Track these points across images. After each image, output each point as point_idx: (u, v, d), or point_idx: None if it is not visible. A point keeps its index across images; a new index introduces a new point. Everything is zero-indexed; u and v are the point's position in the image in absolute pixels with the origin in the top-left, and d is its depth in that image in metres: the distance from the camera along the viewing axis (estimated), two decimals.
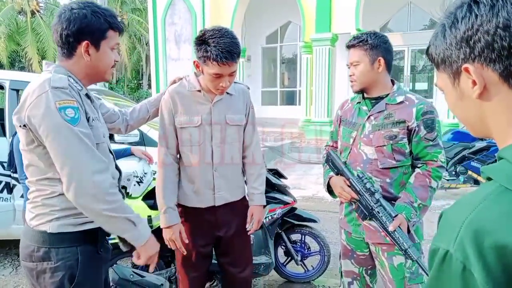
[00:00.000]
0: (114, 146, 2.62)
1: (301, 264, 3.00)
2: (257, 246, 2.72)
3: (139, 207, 2.39)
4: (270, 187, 2.86)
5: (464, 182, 5.15)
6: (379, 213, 1.60)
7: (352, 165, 1.77)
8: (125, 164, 2.33)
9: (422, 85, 12.80)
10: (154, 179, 2.45)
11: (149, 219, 2.38)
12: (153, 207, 2.34)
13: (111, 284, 1.97)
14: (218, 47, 1.61)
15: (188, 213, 1.89)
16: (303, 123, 10.35)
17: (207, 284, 2.54)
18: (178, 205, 1.89)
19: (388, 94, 1.73)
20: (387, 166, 1.70)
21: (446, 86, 0.66)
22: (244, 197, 2.00)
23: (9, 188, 3.12)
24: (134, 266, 2.37)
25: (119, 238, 1.35)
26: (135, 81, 23.94)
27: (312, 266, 3.05)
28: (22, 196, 3.01)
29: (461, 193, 5.35)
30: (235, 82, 1.86)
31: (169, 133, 1.83)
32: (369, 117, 1.74)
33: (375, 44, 1.67)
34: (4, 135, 3.19)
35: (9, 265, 3.37)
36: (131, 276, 2.15)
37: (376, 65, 1.69)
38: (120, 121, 1.85)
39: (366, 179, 1.66)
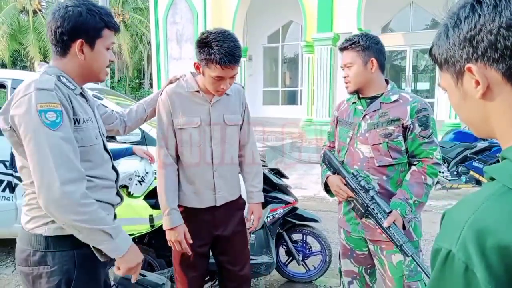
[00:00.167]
0: (115, 146, 2.64)
1: (302, 264, 3.00)
2: (259, 246, 2.72)
3: (140, 207, 2.40)
4: (272, 186, 2.86)
5: (466, 182, 5.14)
6: (374, 210, 1.62)
7: (350, 164, 1.79)
8: (127, 163, 2.34)
9: (424, 85, 12.80)
10: (155, 178, 2.45)
11: (151, 219, 2.39)
12: (155, 206, 2.34)
13: (112, 283, 1.97)
14: (222, 51, 1.61)
15: (187, 214, 1.89)
16: (304, 123, 10.35)
17: (209, 284, 2.55)
18: (178, 206, 1.88)
19: (382, 93, 1.76)
20: (383, 164, 1.72)
21: (449, 86, 0.65)
22: (240, 195, 2.01)
23: (11, 187, 3.12)
24: None
25: (95, 248, 1.27)
26: (137, 81, 24.00)
27: (313, 266, 3.05)
28: None
29: (463, 193, 5.34)
30: None
31: (168, 133, 1.82)
32: (364, 116, 1.76)
33: (367, 46, 1.72)
34: None
35: (11, 264, 3.38)
36: None
37: (369, 66, 1.73)
38: (118, 122, 1.83)
39: (361, 177, 1.69)
